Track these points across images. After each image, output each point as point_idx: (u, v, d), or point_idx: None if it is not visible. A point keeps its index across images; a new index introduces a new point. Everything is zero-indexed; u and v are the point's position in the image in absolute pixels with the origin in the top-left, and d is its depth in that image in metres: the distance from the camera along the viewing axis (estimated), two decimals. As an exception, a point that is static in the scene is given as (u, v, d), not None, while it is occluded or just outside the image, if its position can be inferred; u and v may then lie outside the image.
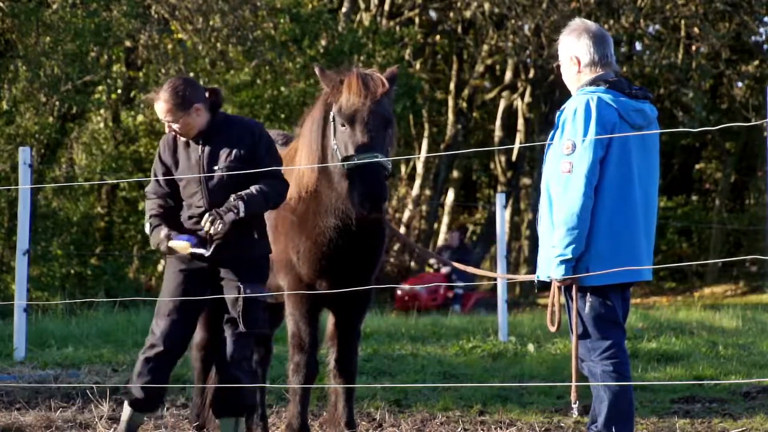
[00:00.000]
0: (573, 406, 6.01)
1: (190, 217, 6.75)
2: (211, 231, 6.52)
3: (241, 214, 6.56)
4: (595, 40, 6.06)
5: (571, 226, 5.80)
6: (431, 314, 19.56)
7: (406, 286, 22.60)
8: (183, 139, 6.78)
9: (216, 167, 6.68)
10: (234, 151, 6.70)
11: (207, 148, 6.72)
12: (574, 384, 5.96)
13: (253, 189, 6.63)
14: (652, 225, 6.06)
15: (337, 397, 7.27)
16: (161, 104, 6.69)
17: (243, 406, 6.75)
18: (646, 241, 6.01)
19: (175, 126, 6.70)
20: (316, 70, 7.09)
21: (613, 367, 5.90)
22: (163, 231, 6.67)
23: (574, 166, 5.81)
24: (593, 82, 5.99)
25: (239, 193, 6.60)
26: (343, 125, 6.75)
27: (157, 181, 6.82)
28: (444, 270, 23.73)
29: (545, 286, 6.14)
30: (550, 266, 5.90)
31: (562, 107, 5.98)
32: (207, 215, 6.55)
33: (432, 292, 23.05)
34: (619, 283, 5.93)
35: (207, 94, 6.79)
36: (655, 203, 6.08)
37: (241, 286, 6.63)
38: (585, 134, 5.82)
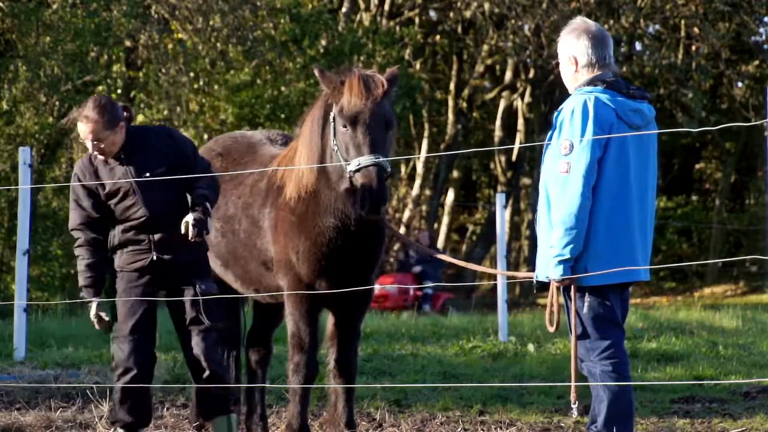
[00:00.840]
0: (573, 406, 6.00)
1: (130, 229, 6.71)
2: (195, 239, 6.53)
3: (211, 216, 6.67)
4: (595, 41, 6.05)
5: (569, 226, 5.80)
6: (415, 313, 19.62)
7: (393, 286, 22.61)
8: (100, 158, 6.72)
9: (147, 174, 6.67)
10: (161, 157, 6.73)
11: (131, 160, 6.70)
12: (573, 384, 5.96)
13: (204, 190, 6.70)
14: (650, 225, 6.06)
15: (337, 397, 7.27)
16: (89, 125, 6.60)
17: (233, 402, 6.78)
18: (644, 241, 6.02)
19: (102, 146, 6.64)
20: (316, 72, 7.09)
21: (613, 367, 5.90)
22: (92, 310, 6.73)
23: (571, 166, 5.81)
24: (591, 82, 5.99)
25: (198, 194, 6.65)
26: (344, 126, 6.75)
27: (82, 208, 6.73)
28: (415, 269, 23.74)
29: (544, 286, 6.14)
30: (548, 266, 5.90)
31: (560, 107, 5.98)
32: (189, 224, 6.52)
33: (403, 292, 23.11)
34: (617, 282, 5.93)
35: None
36: (653, 203, 6.08)
37: (196, 283, 6.70)
38: (582, 134, 5.82)
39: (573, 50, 6.07)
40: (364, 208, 6.56)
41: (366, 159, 6.60)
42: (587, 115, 5.83)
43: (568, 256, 5.81)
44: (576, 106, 5.87)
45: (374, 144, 6.66)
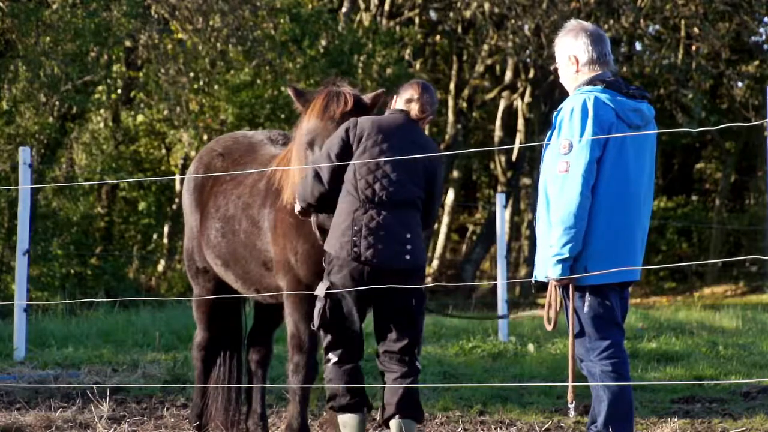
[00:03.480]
0: (570, 406, 6.01)
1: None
2: None
3: None
4: (593, 38, 6.07)
5: (568, 226, 5.81)
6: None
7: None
8: None
9: None
10: None
11: None
12: (570, 384, 5.97)
13: None
14: (647, 224, 6.07)
15: (337, 398, 7.26)
16: None
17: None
18: (642, 240, 6.03)
19: None
20: (290, 92, 7.15)
21: (612, 367, 5.90)
22: None
23: (571, 165, 5.82)
24: (590, 82, 6.00)
25: None
26: (306, 148, 6.84)
27: None
28: None
29: (543, 286, 6.14)
30: (547, 266, 5.91)
31: (560, 107, 6.00)
32: None
33: None
34: (617, 282, 5.93)
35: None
36: (650, 203, 6.10)
37: None
38: (582, 134, 5.83)
39: (572, 49, 6.08)
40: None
41: None
42: (587, 114, 5.84)
43: (567, 255, 5.82)
44: (575, 105, 5.88)
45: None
